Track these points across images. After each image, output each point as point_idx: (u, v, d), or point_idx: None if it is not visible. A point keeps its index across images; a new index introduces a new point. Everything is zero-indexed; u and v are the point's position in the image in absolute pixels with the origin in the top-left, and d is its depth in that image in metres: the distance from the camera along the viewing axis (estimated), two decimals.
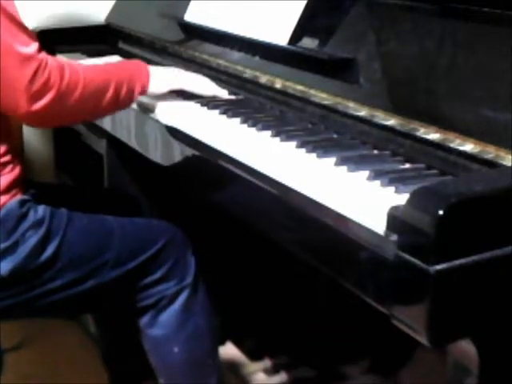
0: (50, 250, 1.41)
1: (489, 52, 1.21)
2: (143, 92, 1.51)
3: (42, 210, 1.42)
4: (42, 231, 1.40)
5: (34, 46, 1.33)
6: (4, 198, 1.38)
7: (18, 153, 1.46)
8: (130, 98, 1.49)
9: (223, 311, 1.69)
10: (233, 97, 1.61)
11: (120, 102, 1.47)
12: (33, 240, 1.39)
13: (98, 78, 1.43)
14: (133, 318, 1.56)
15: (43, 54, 1.34)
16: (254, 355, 1.98)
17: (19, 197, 1.40)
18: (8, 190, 1.39)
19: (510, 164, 1.07)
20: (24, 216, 1.39)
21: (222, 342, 1.91)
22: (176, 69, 1.65)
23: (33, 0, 2.48)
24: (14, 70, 1.29)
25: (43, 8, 2.49)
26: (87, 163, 2.25)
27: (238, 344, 2.00)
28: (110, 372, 1.89)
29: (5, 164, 1.40)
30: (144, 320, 1.54)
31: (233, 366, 1.96)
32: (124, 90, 1.45)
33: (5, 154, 1.40)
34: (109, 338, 1.91)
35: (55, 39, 2.22)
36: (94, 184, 2.24)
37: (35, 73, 1.30)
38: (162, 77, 1.55)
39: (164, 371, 1.58)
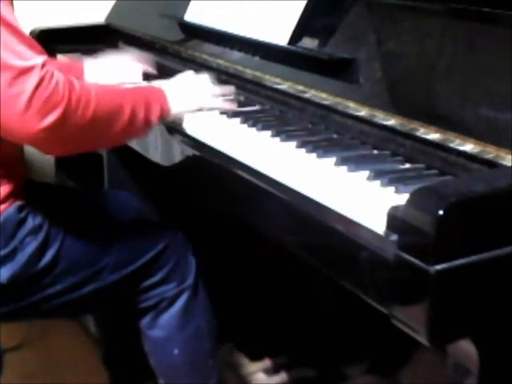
0: (49, 256, 1.40)
1: (489, 52, 1.21)
2: (163, 117, 1.41)
3: (40, 215, 1.40)
4: (40, 237, 1.39)
5: (37, 59, 1.21)
6: (3, 206, 1.37)
7: (20, 158, 1.45)
8: (147, 124, 1.37)
9: (223, 311, 1.68)
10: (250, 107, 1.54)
11: (136, 128, 1.36)
12: (32, 246, 1.38)
13: (112, 98, 1.32)
14: (133, 319, 1.56)
15: (49, 67, 1.22)
16: (254, 355, 1.98)
17: (18, 203, 1.39)
18: (7, 198, 1.38)
19: (509, 164, 1.07)
20: (22, 222, 1.38)
21: (222, 342, 1.91)
22: (185, 79, 1.53)
23: (33, 0, 2.48)
24: (8, 86, 1.17)
25: (43, 8, 2.49)
26: (87, 163, 2.25)
27: (238, 344, 2.00)
28: (110, 372, 1.89)
29: (7, 173, 1.38)
30: (144, 321, 1.54)
31: (233, 366, 1.96)
32: (141, 115, 1.34)
33: (7, 164, 1.38)
34: (109, 339, 1.91)
35: (55, 39, 2.22)
36: (94, 184, 2.23)
37: (37, 85, 1.18)
38: (181, 98, 1.45)
39: (164, 372, 1.58)
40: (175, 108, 1.43)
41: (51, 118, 1.20)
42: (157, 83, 1.52)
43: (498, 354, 1.04)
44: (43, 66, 1.21)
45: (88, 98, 1.25)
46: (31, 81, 1.18)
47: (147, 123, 1.37)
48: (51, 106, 1.20)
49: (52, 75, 1.21)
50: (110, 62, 1.75)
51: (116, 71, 1.72)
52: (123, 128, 1.32)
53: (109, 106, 1.30)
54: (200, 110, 1.48)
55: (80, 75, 1.69)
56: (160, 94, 1.42)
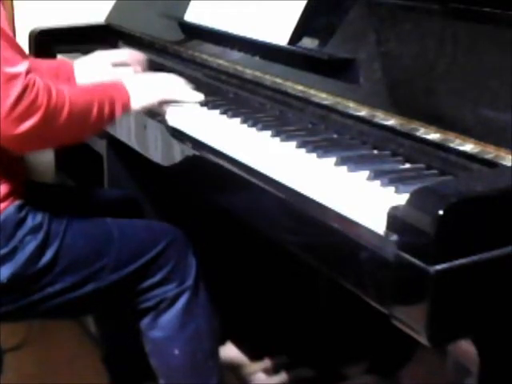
0: (48, 255, 1.40)
1: (489, 52, 1.21)
2: (125, 111, 1.46)
3: (40, 214, 1.41)
4: (40, 236, 1.39)
5: (22, 66, 1.25)
6: (3, 205, 1.38)
7: (20, 158, 1.45)
8: (111, 118, 1.43)
9: (223, 311, 1.69)
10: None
11: (103, 122, 1.43)
12: (31, 245, 1.39)
13: (82, 98, 1.37)
14: (133, 319, 1.56)
15: (31, 74, 1.26)
16: (254, 355, 1.98)
17: (17, 202, 1.39)
18: (7, 196, 1.38)
19: (509, 164, 1.07)
20: (22, 221, 1.39)
21: (222, 342, 1.91)
22: (150, 77, 1.61)
23: (33, 0, 2.48)
24: None
25: (43, 8, 2.49)
26: (87, 163, 2.25)
27: (238, 344, 2.00)
28: (110, 372, 1.89)
29: (7, 172, 1.38)
30: (145, 322, 1.54)
31: (233, 366, 1.95)
32: (106, 110, 1.40)
33: (7, 163, 1.38)
34: (109, 339, 1.91)
35: (55, 39, 2.22)
36: (94, 184, 2.23)
37: (21, 93, 1.23)
38: (142, 93, 1.50)
39: (165, 373, 1.58)
40: (136, 102, 1.48)
41: (29, 124, 1.25)
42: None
43: (498, 353, 1.04)
44: (27, 73, 1.25)
45: (63, 103, 1.30)
46: (16, 88, 1.23)
47: (111, 118, 1.43)
48: (31, 112, 1.25)
49: (34, 83, 1.25)
50: (100, 61, 1.74)
51: (105, 71, 1.71)
52: (93, 123, 1.39)
53: (80, 105, 1.35)
54: (163, 102, 1.53)
55: (70, 75, 1.68)
56: (122, 90, 1.47)
